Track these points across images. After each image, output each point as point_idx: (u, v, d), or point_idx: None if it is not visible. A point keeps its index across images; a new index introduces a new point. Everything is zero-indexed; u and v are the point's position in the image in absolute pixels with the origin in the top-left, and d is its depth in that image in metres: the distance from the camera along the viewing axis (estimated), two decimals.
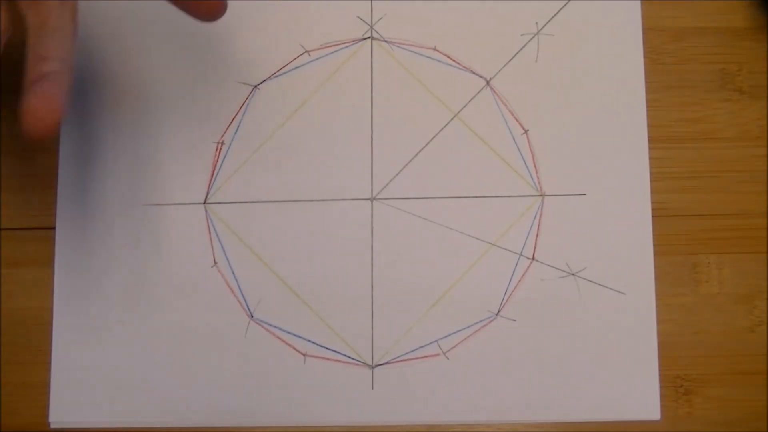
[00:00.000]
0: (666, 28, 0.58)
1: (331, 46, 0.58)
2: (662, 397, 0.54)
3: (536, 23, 0.58)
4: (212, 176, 0.56)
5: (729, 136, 0.57)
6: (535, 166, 0.56)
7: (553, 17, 0.58)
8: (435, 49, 0.58)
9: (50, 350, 0.55)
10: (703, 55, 0.58)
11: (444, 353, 0.55)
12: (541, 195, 0.56)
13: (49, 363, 0.55)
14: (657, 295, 0.55)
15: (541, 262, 0.56)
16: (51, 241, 0.56)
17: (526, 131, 0.57)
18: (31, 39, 0.41)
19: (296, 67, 0.58)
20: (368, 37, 0.58)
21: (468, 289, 0.55)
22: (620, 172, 0.56)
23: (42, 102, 0.39)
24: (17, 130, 0.57)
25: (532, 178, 0.56)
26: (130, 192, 0.56)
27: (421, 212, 0.56)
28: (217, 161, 0.56)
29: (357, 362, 0.55)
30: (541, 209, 0.56)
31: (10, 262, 0.56)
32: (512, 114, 0.57)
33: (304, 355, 0.55)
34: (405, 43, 0.58)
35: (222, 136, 0.57)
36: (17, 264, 0.56)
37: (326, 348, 0.55)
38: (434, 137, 0.57)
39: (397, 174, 0.56)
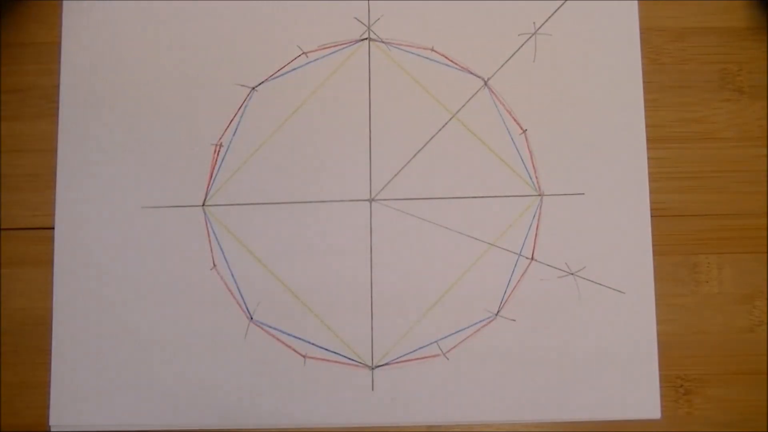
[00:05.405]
0: (666, 28, 0.58)
1: (328, 48, 0.58)
2: (662, 396, 0.54)
3: (534, 23, 0.58)
4: (211, 178, 0.56)
5: (729, 136, 0.57)
6: (533, 166, 0.56)
7: (550, 17, 0.58)
8: (432, 50, 0.58)
9: (50, 350, 0.55)
10: (703, 55, 0.58)
11: (444, 354, 0.55)
12: (539, 195, 0.56)
13: (49, 363, 0.55)
14: (657, 295, 0.55)
15: (541, 262, 0.56)
16: (50, 241, 0.56)
17: (524, 131, 0.57)
18: None
19: (294, 69, 0.58)
20: (366, 38, 0.58)
21: (467, 290, 0.55)
22: (619, 171, 0.56)
23: None
24: (17, 129, 0.58)
25: (530, 178, 0.56)
26: (129, 194, 0.56)
27: (419, 213, 0.56)
28: (215, 163, 0.57)
29: (357, 363, 0.55)
30: (540, 209, 0.56)
31: (10, 262, 0.57)
32: (510, 114, 0.57)
33: (304, 356, 0.55)
34: (402, 44, 0.58)
35: (220, 138, 0.57)
36: (17, 264, 0.57)
37: (326, 349, 0.55)
38: (432, 138, 0.57)
39: (395, 175, 0.56)
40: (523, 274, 0.56)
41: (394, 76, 0.57)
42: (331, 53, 0.58)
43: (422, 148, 0.57)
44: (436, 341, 0.55)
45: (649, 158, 0.56)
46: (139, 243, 0.56)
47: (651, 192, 0.56)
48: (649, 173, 0.56)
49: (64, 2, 0.58)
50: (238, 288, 0.55)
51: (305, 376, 0.55)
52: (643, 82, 0.57)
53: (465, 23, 0.58)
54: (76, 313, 0.56)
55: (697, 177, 0.57)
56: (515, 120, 0.57)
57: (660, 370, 0.55)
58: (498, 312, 0.55)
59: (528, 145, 0.57)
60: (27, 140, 0.57)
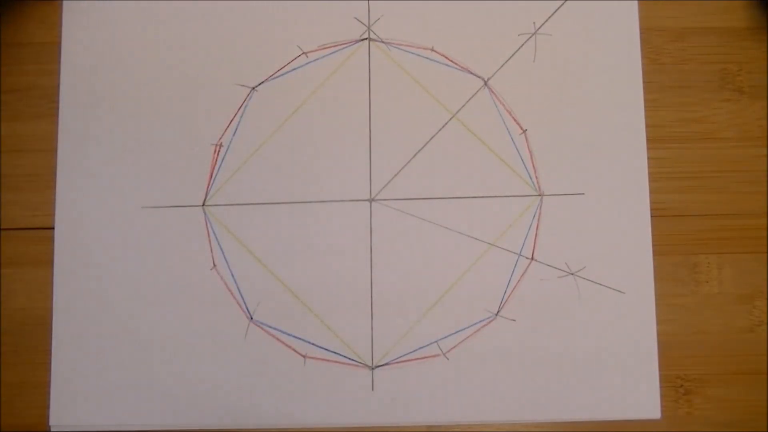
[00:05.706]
0: (666, 28, 0.58)
1: (328, 48, 0.58)
2: (662, 396, 0.54)
3: (534, 23, 0.58)
4: (211, 178, 0.56)
5: (729, 136, 0.57)
6: (533, 166, 0.56)
7: (550, 17, 0.58)
8: (432, 50, 0.58)
9: (50, 350, 0.55)
10: (703, 55, 0.58)
11: (444, 354, 0.55)
12: (539, 195, 0.56)
13: (49, 363, 0.55)
14: (657, 295, 0.55)
15: (541, 262, 0.56)
16: (50, 241, 0.56)
17: (524, 131, 0.57)
18: None
19: (294, 69, 0.58)
20: (365, 38, 0.58)
21: (467, 290, 0.55)
22: (619, 171, 0.56)
23: None
24: (17, 129, 0.58)
25: (530, 178, 0.56)
26: (129, 194, 0.56)
27: (419, 213, 0.56)
28: (215, 163, 0.57)
29: (357, 363, 0.55)
30: (540, 209, 0.56)
31: (10, 262, 0.57)
32: (510, 114, 0.57)
33: (303, 356, 0.55)
34: (402, 44, 0.58)
35: (220, 138, 0.57)
36: (17, 264, 0.57)
37: (326, 349, 0.55)
38: (432, 138, 0.57)
39: (395, 175, 0.56)
40: (523, 274, 0.56)
41: (394, 76, 0.57)
42: (331, 53, 0.58)
43: (422, 148, 0.57)
44: (436, 341, 0.55)
45: (649, 158, 0.56)
46: (139, 243, 0.56)
47: (651, 192, 0.56)
48: (649, 173, 0.56)
49: (64, 2, 0.58)
50: (238, 288, 0.55)
51: (305, 376, 0.55)
52: (643, 82, 0.57)
53: (465, 23, 0.58)
54: (76, 313, 0.56)
55: (697, 177, 0.57)
56: (515, 120, 0.57)
57: (660, 370, 0.55)
58: (498, 312, 0.55)
59: (528, 145, 0.57)
60: (27, 140, 0.57)
